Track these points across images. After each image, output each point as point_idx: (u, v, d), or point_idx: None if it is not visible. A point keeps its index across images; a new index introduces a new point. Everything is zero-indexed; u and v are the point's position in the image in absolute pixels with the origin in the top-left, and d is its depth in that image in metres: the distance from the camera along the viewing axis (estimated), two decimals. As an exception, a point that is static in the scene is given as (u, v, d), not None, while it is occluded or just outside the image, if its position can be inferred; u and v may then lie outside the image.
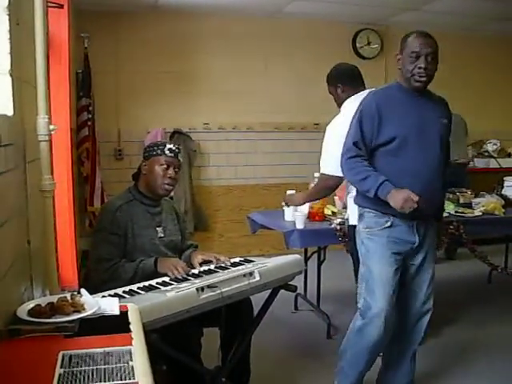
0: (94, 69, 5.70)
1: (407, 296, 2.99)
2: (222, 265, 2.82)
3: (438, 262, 4.50)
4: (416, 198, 2.61)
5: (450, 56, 7.10)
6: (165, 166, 2.91)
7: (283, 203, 3.90)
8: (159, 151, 2.92)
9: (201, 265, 2.87)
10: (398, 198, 2.64)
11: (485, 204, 4.31)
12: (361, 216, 2.95)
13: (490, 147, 7.04)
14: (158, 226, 2.97)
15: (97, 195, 5.55)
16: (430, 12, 6.09)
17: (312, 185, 3.82)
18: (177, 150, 2.97)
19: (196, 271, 2.74)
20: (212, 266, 2.79)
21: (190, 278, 2.60)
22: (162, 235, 2.96)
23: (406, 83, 2.82)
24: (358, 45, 6.74)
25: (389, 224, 2.81)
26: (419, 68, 2.72)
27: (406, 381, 3.11)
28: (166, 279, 2.58)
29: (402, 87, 2.84)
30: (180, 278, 2.61)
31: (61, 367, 1.42)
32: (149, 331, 2.00)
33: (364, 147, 2.80)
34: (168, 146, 2.94)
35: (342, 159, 2.86)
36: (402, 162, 2.76)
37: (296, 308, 4.65)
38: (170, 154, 2.93)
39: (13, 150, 1.92)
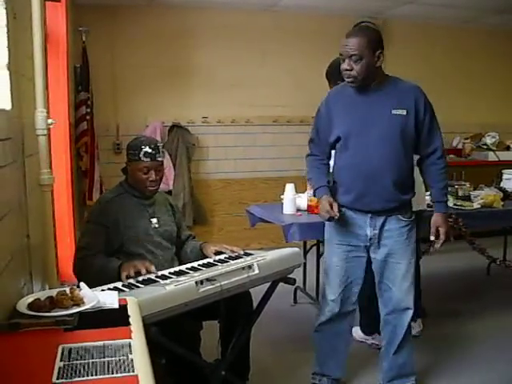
0: (93, 63, 5.68)
1: (383, 291, 3.06)
2: (236, 254, 2.85)
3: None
4: (332, 214, 2.83)
5: (449, 48, 7.15)
6: (144, 171, 2.86)
7: (282, 196, 3.92)
8: (136, 157, 2.84)
9: (215, 255, 2.89)
10: (320, 206, 2.93)
11: (483, 197, 4.31)
12: None
13: (488, 140, 7.03)
14: (152, 217, 2.95)
15: (96, 189, 5.54)
16: (427, 4, 6.08)
17: None
18: (154, 152, 2.86)
19: (195, 264, 2.74)
20: (205, 261, 2.79)
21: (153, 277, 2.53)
22: (157, 225, 2.95)
23: None
24: (356, 38, 6.71)
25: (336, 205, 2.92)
26: (343, 69, 2.79)
27: (392, 373, 3.12)
28: (166, 272, 2.58)
29: None
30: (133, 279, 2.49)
31: (60, 360, 1.42)
32: (148, 324, 2.01)
33: (321, 143, 3.02)
34: (144, 149, 2.83)
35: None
36: (347, 157, 2.91)
37: (295, 301, 4.66)
38: (146, 160, 2.84)
39: (11, 145, 1.92)
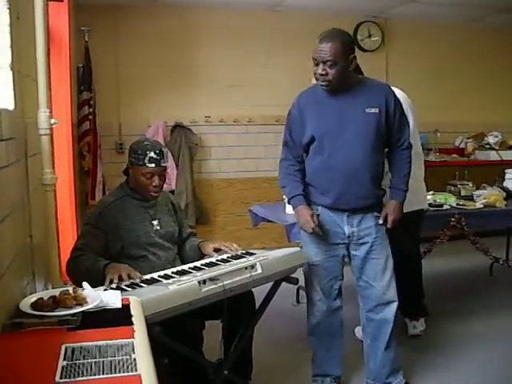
0: (95, 62, 5.69)
1: (363, 287, 3.10)
2: (237, 253, 2.86)
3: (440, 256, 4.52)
4: (312, 225, 2.88)
5: (451, 47, 7.14)
6: (148, 176, 2.85)
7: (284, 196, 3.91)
8: (140, 162, 2.82)
9: (215, 252, 2.91)
10: (299, 217, 2.98)
11: (486, 196, 4.31)
12: None
13: (491, 139, 7.02)
14: (153, 219, 2.95)
15: (98, 189, 5.55)
16: (429, 3, 6.08)
17: None
18: (159, 157, 2.84)
19: (198, 264, 2.75)
20: (207, 261, 2.79)
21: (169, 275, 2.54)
22: (159, 228, 2.95)
23: None
24: (359, 37, 6.72)
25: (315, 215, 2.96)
26: (318, 74, 2.81)
27: (385, 370, 3.12)
28: (169, 272, 2.58)
29: None
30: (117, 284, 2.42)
31: (64, 360, 1.42)
32: (151, 324, 2.01)
33: (295, 146, 3.03)
34: (149, 154, 2.81)
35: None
36: (323, 158, 2.92)
37: (298, 301, 4.66)
38: (151, 165, 2.82)
39: (14, 144, 1.93)
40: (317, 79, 2.86)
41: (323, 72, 2.77)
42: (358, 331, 3.79)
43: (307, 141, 2.94)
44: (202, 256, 2.96)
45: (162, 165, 2.88)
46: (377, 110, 2.87)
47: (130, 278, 2.43)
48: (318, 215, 2.97)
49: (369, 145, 2.87)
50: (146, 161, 2.81)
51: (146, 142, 2.91)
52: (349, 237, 3.01)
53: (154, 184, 2.86)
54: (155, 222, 2.95)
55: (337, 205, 2.95)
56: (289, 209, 3.96)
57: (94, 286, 2.14)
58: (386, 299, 3.05)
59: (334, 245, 3.04)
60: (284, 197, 3.99)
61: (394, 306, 3.06)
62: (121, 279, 2.41)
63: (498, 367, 3.46)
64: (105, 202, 2.93)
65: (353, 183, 2.89)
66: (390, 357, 3.11)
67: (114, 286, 2.35)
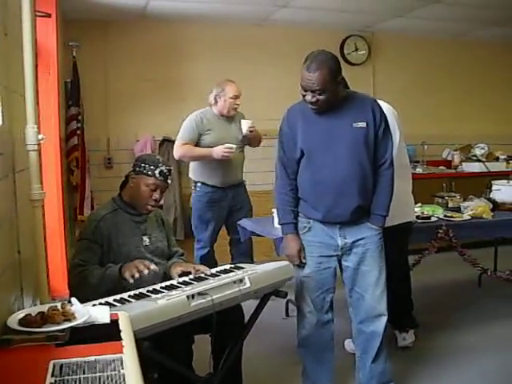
0: (83, 78, 5.70)
1: (355, 299, 3.11)
2: (202, 275, 2.79)
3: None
4: (297, 261, 3.02)
5: (437, 61, 7.21)
6: (152, 188, 2.89)
7: (273, 210, 3.94)
8: (150, 172, 2.87)
9: (180, 276, 2.85)
10: (287, 247, 3.08)
11: (473, 208, 4.33)
12: None
13: (478, 151, 7.07)
14: (144, 235, 2.96)
15: (87, 204, 5.54)
16: (416, 18, 6.14)
17: None
18: (167, 173, 2.93)
19: (186, 278, 2.74)
20: (191, 277, 2.79)
21: (176, 285, 2.60)
22: (148, 243, 2.96)
23: None
24: (345, 51, 6.78)
25: (306, 229, 3.04)
26: (308, 101, 2.85)
27: (373, 382, 3.13)
28: (157, 287, 2.58)
29: None
30: (142, 275, 2.62)
31: (52, 376, 1.42)
32: (140, 339, 2.00)
33: (289, 163, 3.03)
34: (160, 167, 2.89)
35: None
36: (313, 172, 2.95)
37: (287, 314, 4.65)
38: (160, 178, 2.89)
39: (1, 160, 1.92)
40: (308, 106, 2.88)
41: (313, 100, 2.81)
42: (348, 344, 3.80)
43: (299, 156, 2.96)
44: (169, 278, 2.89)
45: (168, 181, 2.96)
46: (364, 124, 2.89)
47: (147, 268, 2.61)
48: (311, 228, 3.01)
49: (357, 159, 2.89)
50: (157, 173, 2.88)
51: (157, 157, 3.03)
52: (342, 248, 3.02)
53: (154, 197, 2.90)
54: (145, 237, 2.96)
55: (327, 218, 2.97)
56: (277, 223, 3.97)
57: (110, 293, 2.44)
58: (376, 312, 3.05)
59: (326, 257, 3.04)
60: (273, 210, 4.02)
61: (384, 319, 3.07)
62: (140, 272, 2.59)
63: (489, 378, 3.47)
64: (97, 215, 2.92)
65: (341, 197, 2.91)
66: (378, 369, 3.12)
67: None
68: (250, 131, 4.70)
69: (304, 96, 2.85)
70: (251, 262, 4.64)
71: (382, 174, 3.00)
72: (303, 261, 3.03)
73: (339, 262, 3.08)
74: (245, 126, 4.68)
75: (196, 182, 4.78)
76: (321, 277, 3.07)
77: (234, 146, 4.54)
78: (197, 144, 4.65)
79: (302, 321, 3.18)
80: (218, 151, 4.50)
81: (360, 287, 3.06)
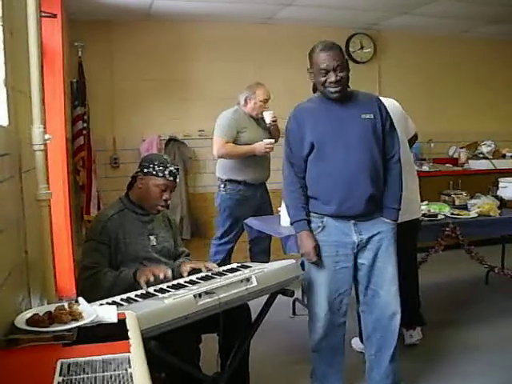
0: (89, 77, 5.71)
1: (370, 296, 3.07)
2: (209, 274, 2.80)
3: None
4: (314, 258, 2.95)
5: (443, 58, 7.19)
6: (162, 188, 2.90)
7: (279, 209, 3.95)
8: (160, 173, 2.88)
9: (190, 274, 2.85)
10: (302, 245, 3.01)
11: (480, 205, 4.32)
12: None
13: (484, 149, 7.05)
14: (151, 234, 2.96)
15: (93, 204, 5.55)
16: (421, 15, 6.12)
17: None
18: (176, 173, 2.94)
19: (194, 277, 2.74)
20: (203, 274, 2.79)
21: (184, 284, 2.60)
22: (155, 243, 2.96)
23: (323, 94, 2.96)
24: (351, 49, 6.76)
25: (320, 229, 2.99)
26: (330, 82, 2.85)
27: (388, 382, 3.11)
28: (164, 286, 2.58)
29: (322, 97, 2.99)
30: (158, 281, 2.62)
31: (59, 376, 1.42)
32: (147, 338, 2.01)
33: (296, 160, 3.02)
34: (169, 168, 2.90)
35: None
36: (324, 165, 2.93)
37: (294, 313, 4.65)
38: (169, 178, 2.90)
39: (8, 160, 1.93)
40: (331, 89, 2.88)
41: (337, 78, 2.83)
42: (355, 342, 3.79)
43: (307, 151, 2.95)
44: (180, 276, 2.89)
45: (177, 181, 2.97)
46: (371, 116, 2.92)
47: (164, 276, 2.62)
48: (325, 227, 2.99)
49: (367, 148, 2.90)
50: (166, 173, 2.88)
51: (165, 156, 3.02)
52: (358, 245, 2.98)
53: (164, 197, 2.91)
54: (152, 237, 2.96)
55: (340, 212, 2.93)
56: (284, 221, 3.97)
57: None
58: (391, 309, 3.03)
59: (343, 256, 2.99)
60: (279, 209, 4.02)
61: (398, 317, 3.05)
62: (155, 278, 2.60)
63: (496, 376, 3.45)
64: (105, 215, 2.92)
65: (354, 187, 2.89)
66: (393, 369, 3.11)
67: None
68: (274, 121, 4.78)
69: (324, 82, 2.86)
70: (268, 260, 4.66)
71: (392, 167, 3.01)
72: (318, 261, 2.98)
73: (355, 260, 3.04)
74: (268, 116, 4.77)
75: (225, 181, 4.80)
76: (338, 276, 3.01)
77: (273, 140, 4.68)
78: (234, 142, 4.71)
79: (314, 325, 3.11)
80: (260, 147, 4.62)
81: (375, 284, 3.03)
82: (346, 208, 2.92)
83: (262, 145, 4.61)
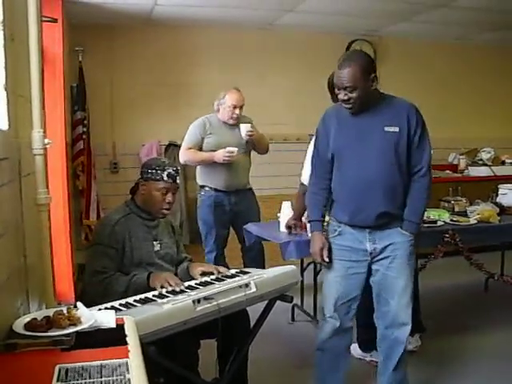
0: (89, 82, 5.71)
1: (382, 304, 3.06)
2: (208, 280, 2.81)
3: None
4: (319, 259, 3.00)
5: (443, 64, 7.19)
6: (163, 192, 2.91)
7: (279, 214, 3.95)
8: (158, 176, 2.89)
9: (201, 276, 2.87)
10: (312, 244, 3.04)
11: (480, 212, 4.32)
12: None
13: (484, 155, 7.05)
14: (155, 240, 2.98)
15: (93, 208, 5.55)
16: (422, 22, 6.12)
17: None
18: (175, 174, 2.95)
19: (192, 283, 2.74)
20: (213, 277, 2.80)
21: (184, 290, 2.60)
22: (159, 249, 2.97)
23: None
24: (351, 55, 6.76)
25: (337, 233, 3.01)
26: (341, 99, 2.87)
27: None
28: (163, 291, 2.58)
29: None
30: (170, 290, 2.61)
31: (57, 381, 1.42)
32: (146, 344, 2.00)
33: (321, 162, 3.05)
34: (167, 170, 2.91)
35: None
36: (342, 173, 2.96)
37: (293, 319, 4.64)
38: (168, 180, 2.91)
39: (8, 164, 1.93)
40: (342, 105, 2.89)
41: (345, 97, 2.82)
42: (354, 349, 3.78)
43: (330, 157, 2.97)
44: (191, 278, 2.93)
45: (177, 182, 2.97)
46: (397, 129, 2.85)
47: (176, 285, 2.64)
48: (341, 233, 3.00)
49: (386, 162, 2.85)
50: (165, 175, 2.89)
51: (162, 159, 3.05)
52: (371, 253, 2.97)
53: (167, 200, 2.92)
54: (156, 243, 2.98)
55: (354, 222, 2.94)
56: (283, 227, 3.97)
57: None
58: (400, 321, 3.01)
59: (355, 262, 2.99)
60: (278, 215, 4.02)
61: (407, 329, 3.03)
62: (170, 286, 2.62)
63: (495, 383, 3.45)
64: (111, 219, 2.92)
65: (365, 202, 2.87)
66: (397, 378, 3.10)
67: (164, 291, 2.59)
68: (249, 135, 4.66)
69: (337, 95, 2.87)
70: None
71: (418, 180, 2.93)
72: (325, 259, 2.98)
73: (369, 267, 3.02)
74: (243, 130, 4.66)
75: (202, 187, 4.78)
76: (349, 282, 3.01)
77: (236, 149, 4.54)
78: (200, 148, 4.66)
79: (323, 324, 3.13)
80: (219, 155, 4.54)
81: (387, 293, 3.01)
82: (358, 220, 2.93)
83: (221, 152, 4.52)
